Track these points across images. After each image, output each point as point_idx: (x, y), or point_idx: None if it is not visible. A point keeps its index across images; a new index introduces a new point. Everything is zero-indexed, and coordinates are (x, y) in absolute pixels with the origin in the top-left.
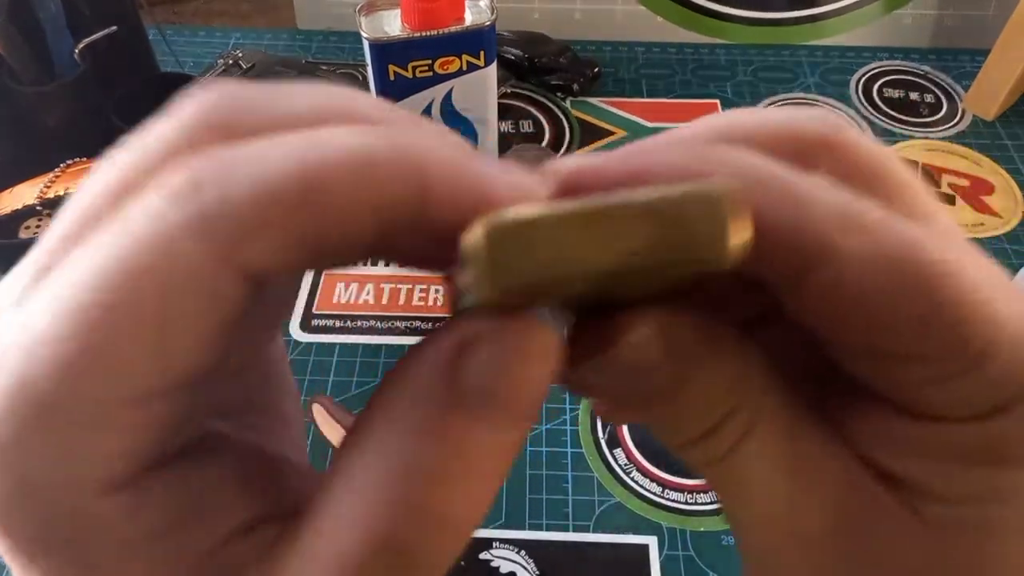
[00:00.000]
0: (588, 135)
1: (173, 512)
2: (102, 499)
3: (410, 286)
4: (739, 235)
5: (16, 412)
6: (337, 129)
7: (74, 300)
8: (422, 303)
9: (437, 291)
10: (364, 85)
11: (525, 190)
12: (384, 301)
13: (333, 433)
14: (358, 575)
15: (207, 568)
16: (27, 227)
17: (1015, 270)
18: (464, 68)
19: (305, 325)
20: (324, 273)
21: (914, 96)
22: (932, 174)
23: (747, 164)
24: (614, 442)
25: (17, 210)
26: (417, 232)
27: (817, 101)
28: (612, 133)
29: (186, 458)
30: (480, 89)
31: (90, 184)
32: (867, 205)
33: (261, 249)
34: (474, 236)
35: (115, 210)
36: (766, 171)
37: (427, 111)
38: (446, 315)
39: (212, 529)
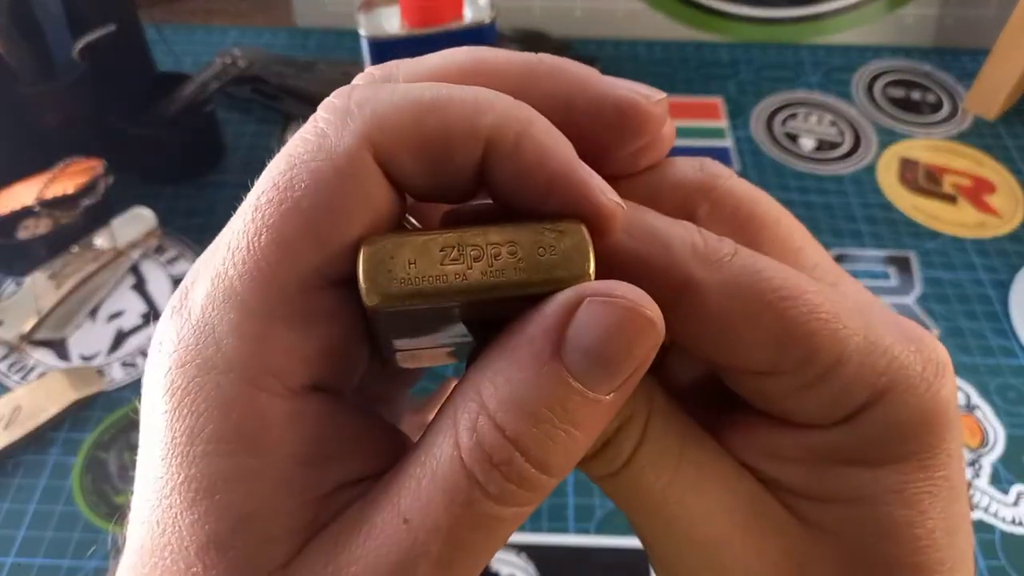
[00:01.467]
0: None
1: (313, 442)
2: (275, 398)
3: None
4: (594, 259)
5: (215, 302)
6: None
7: (252, 196)
8: None
9: None
10: None
11: (598, 185)
12: None
13: None
14: (447, 497)
15: (316, 509)
16: (25, 227)
17: (1016, 270)
18: None
19: None
20: None
21: (916, 95)
22: (934, 173)
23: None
24: None
25: (15, 210)
26: (510, 180)
27: (819, 99)
28: None
29: (332, 402)
30: None
31: None
32: (724, 243)
33: (395, 143)
34: (357, 256)
35: None
36: (636, 217)
37: None
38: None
39: (334, 473)
